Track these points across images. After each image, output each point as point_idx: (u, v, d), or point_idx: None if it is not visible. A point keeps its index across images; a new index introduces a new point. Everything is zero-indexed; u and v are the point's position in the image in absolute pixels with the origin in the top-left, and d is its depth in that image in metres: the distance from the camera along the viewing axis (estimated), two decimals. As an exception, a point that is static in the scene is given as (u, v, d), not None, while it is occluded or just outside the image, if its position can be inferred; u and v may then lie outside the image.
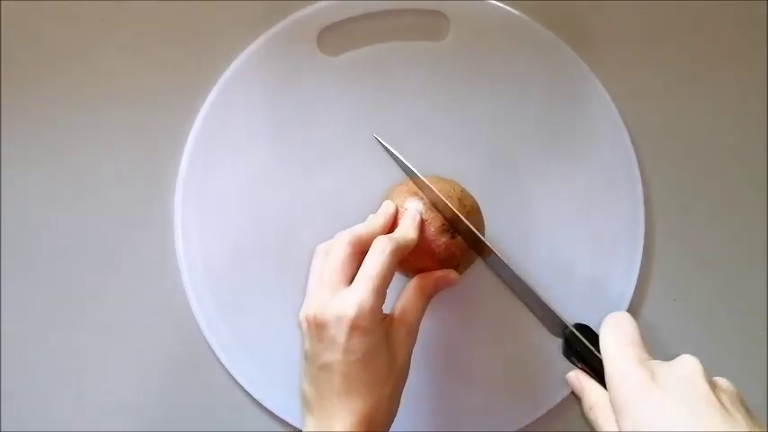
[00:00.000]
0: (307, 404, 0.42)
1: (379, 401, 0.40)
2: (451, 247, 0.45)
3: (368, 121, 0.53)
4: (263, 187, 0.53)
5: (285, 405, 0.52)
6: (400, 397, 0.42)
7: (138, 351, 0.54)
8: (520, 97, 0.53)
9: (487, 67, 0.54)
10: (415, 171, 0.46)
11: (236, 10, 0.54)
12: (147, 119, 0.54)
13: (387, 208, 0.46)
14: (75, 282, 0.54)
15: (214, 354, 0.53)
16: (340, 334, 0.39)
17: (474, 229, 0.44)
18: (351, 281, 0.41)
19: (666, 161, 0.54)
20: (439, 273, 0.44)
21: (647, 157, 0.54)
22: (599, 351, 0.38)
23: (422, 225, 0.44)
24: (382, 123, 0.53)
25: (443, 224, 0.45)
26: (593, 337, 0.40)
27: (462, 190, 0.47)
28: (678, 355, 0.36)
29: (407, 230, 0.44)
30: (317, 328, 0.40)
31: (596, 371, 0.39)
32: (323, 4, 0.53)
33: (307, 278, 0.44)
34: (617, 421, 0.34)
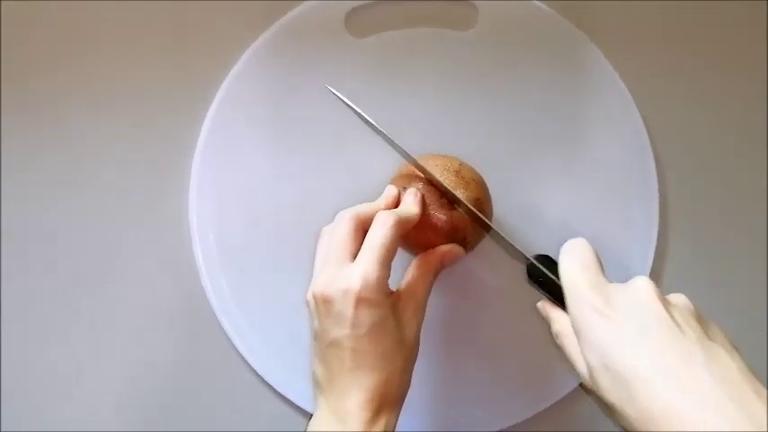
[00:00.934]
0: (318, 385, 0.41)
1: (389, 376, 0.39)
2: (453, 220, 0.45)
3: (387, 103, 0.53)
4: (278, 169, 0.53)
5: (293, 384, 0.52)
6: (411, 374, 0.42)
7: (153, 346, 0.54)
8: (542, 90, 0.54)
9: (511, 59, 0.54)
10: (402, 147, 0.46)
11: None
12: (158, 116, 0.54)
13: (388, 191, 0.46)
14: (81, 271, 0.54)
15: (229, 339, 0.53)
16: (347, 308, 0.39)
17: (448, 188, 0.44)
18: (354, 257, 0.41)
19: (683, 158, 0.55)
20: (444, 247, 0.44)
21: (663, 153, 0.54)
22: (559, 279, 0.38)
23: (423, 201, 0.44)
24: (400, 107, 0.53)
25: (441, 197, 0.45)
26: (556, 266, 0.40)
27: (461, 163, 0.47)
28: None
29: (409, 206, 0.44)
30: (325, 304, 0.40)
31: (560, 299, 0.39)
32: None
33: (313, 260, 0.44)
34: (579, 346, 0.35)
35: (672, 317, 0.33)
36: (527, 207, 0.52)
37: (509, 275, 0.51)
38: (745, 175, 0.55)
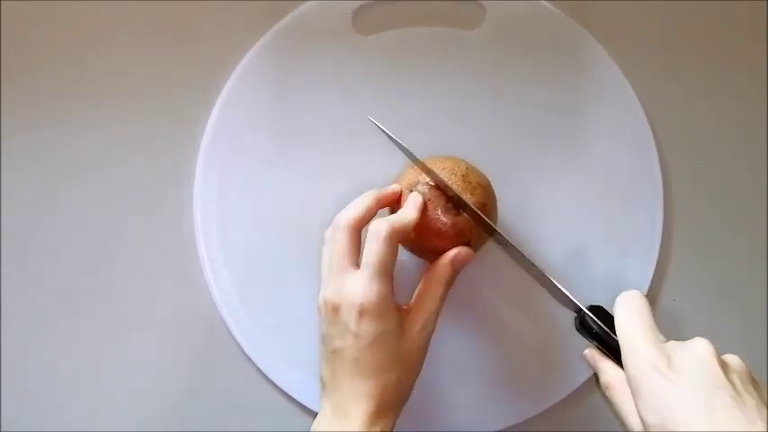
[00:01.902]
0: (323, 386, 0.43)
1: (389, 385, 0.41)
2: (458, 224, 0.45)
3: (392, 101, 0.53)
4: (281, 168, 0.53)
5: (305, 388, 0.52)
6: (413, 385, 0.43)
7: (157, 345, 0.54)
8: (547, 91, 0.53)
9: (518, 59, 0.54)
10: (409, 149, 0.46)
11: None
12: (162, 115, 0.54)
13: (390, 189, 0.46)
14: (83, 270, 0.54)
15: (236, 342, 0.53)
16: (351, 318, 0.40)
17: (464, 199, 0.44)
18: (357, 263, 0.42)
19: (687, 158, 0.55)
20: (451, 253, 0.44)
21: (667, 154, 0.54)
22: (614, 331, 0.39)
23: (427, 205, 0.44)
24: (405, 105, 0.53)
25: (447, 202, 0.45)
26: (607, 317, 0.40)
27: (468, 167, 0.47)
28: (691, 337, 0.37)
29: (407, 211, 0.44)
30: (333, 311, 0.41)
31: (611, 349, 0.40)
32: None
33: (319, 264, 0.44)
34: (635, 402, 0.35)
35: (731, 382, 0.34)
36: (530, 208, 0.53)
37: (509, 277, 0.51)
38: (749, 175, 0.55)
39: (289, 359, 0.52)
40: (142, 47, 0.54)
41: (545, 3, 0.54)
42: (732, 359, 0.36)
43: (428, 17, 0.53)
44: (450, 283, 0.44)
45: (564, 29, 0.54)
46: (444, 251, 0.44)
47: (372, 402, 0.40)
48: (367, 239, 0.42)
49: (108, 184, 0.54)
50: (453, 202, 0.45)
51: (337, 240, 0.42)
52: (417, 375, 0.43)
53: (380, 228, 0.41)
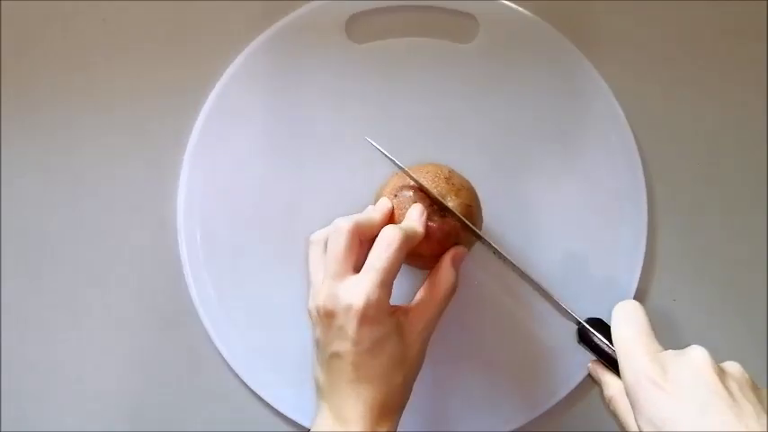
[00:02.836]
0: (320, 391, 0.42)
1: (388, 390, 0.40)
2: (445, 227, 0.45)
3: (383, 110, 0.53)
4: (267, 172, 0.53)
5: (283, 396, 0.52)
6: (412, 386, 0.42)
7: (138, 348, 0.53)
8: (537, 106, 0.54)
9: (509, 74, 0.54)
10: (400, 164, 0.46)
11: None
12: (149, 115, 0.54)
13: (382, 205, 0.45)
14: (74, 282, 0.53)
15: (211, 340, 0.52)
16: (349, 324, 0.39)
17: (438, 196, 0.45)
18: (354, 269, 0.41)
19: (673, 172, 0.55)
20: (450, 253, 0.44)
21: (653, 168, 0.55)
22: (612, 343, 0.39)
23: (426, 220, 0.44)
24: (395, 115, 0.53)
25: (432, 206, 0.45)
26: (606, 329, 0.40)
27: (451, 170, 0.47)
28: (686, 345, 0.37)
29: (414, 224, 0.43)
30: (327, 317, 0.40)
31: (612, 361, 0.40)
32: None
33: (304, 268, 0.44)
34: (633, 413, 0.35)
35: (728, 389, 0.33)
36: (519, 218, 0.53)
37: (505, 278, 0.51)
38: (736, 189, 0.56)
39: (269, 365, 0.52)
40: (128, 52, 0.54)
41: (538, 18, 0.54)
42: (731, 366, 0.35)
43: (421, 28, 0.53)
44: (454, 286, 0.44)
45: (553, 43, 0.54)
46: (432, 255, 0.44)
47: (375, 407, 0.40)
48: (377, 245, 0.41)
49: (92, 185, 0.53)
50: (438, 206, 0.45)
51: (336, 242, 0.41)
52: (416, 376, 0.42)
53: (395, 235, 0.41)
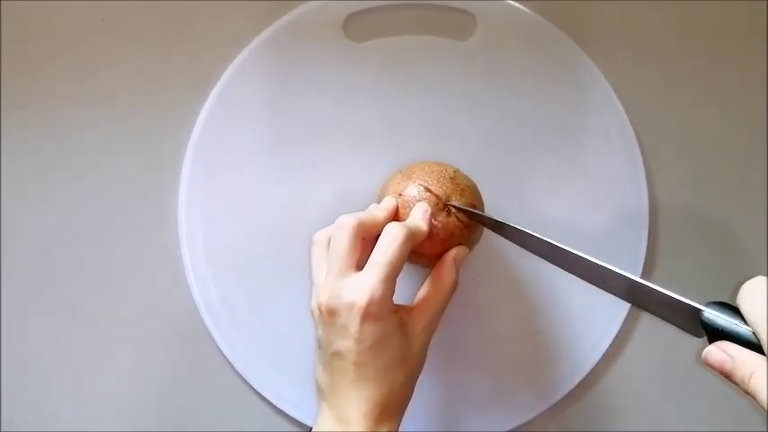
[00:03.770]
0: (320, 391, 0.42)
1: (391, 389, 0.40)
2: (449, 226, 0.45)
3: (383, 108, 0.53)
4: (269, 171, 0.53)
5: (285, 395, 0.52)
6: (414, 384, 0.42)
7: (140, 347, 0.53)
8: (536, 102, 0.54)
9: (507, 71, 0.54)
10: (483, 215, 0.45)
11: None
12: (150, 115, 0.54)
13: (388, 203, 0.45)
14: (75, 282, 0.53)
15: (213, 339, 0.52)
16: (352, 321, 0.39)
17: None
18: (358, 267, 0.41)
19: (673, 168, 0.55)
20: (452, 252, 0.44)
21: (653, 164, 0.55)
22: (742, 324, 0.35)
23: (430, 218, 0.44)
24: (394, 114, 0.53)
25: (437, 204, 0.45)
26: (729, 312, 0.37)
27: (456, 170, 0.47)
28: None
29: (419, 222, 0.43)
30: (329, 315, 0.40)
31: (743, 342, 0.36)
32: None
33: (308, 268, 0.44)
34: None
35: None
36: (518, 214, 0.52)
37: (500, 281, 0.52)
38: (737, 185, 0.56)
39: (271, 365, 0.52)
40: (127, 50, 0.54)
41: (536, 14, 0.54)
42: None
43: (419, 26, 0.53)
44: (455, 284, 0.44)
45: (552, 39, 0.54)
46: (434, 254, 0.44)
47: (376, 407, 0.39)
48: (381, 241, 0.41)
49: (93, 186, 0.53)
50: (443, 205, 0.45)
51: (339, 239, 0.41)
52: (419, 375, 0.42)
53: (399, 231, 0.40)
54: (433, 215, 0.44)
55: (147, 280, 0.53)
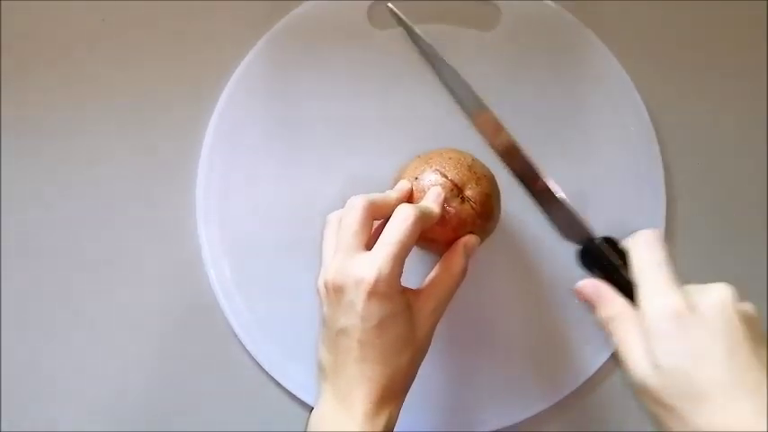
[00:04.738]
0: (322, 372, 0.41)
1: (395, 370, 0.39)
2: (462, 214, 0.45)
3: (403, 96, 0.53)
4: (284, 157, 0.53)
5: (300, 378, 0.52)
6: (417, 370, 0.42)
7: (155, 329, 0.53)
8: (555, 95, 0.54)
9: (529, 63, 0.54)
10: (419, 33, 0.45)
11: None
12: (171, 97, 0.54)
13: (401, 185, 0.45)
14: (90, 266, 0.53)
15: (230, 326, 0.53)
16: (358, 299, 0.38)
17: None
18: (367, 247, 0.40)
19: (690, 156, 0.55)
20: (464, 240, 0.44)
21: (672, 158, 0.54)
22: (624, 267, 0.37)
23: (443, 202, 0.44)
24: (414, 101, 0.53)
25: (452, 190, 0.45)
26: (617, 252, 0.39)
27: (474, 159, 0.47)
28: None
29: (431, 204, 0.43)
30: (336, 292, 0.39)
31: (616, 284, 0.38)
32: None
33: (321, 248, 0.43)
34: (649, 342, 0.34)
35: (753, 334, 0.33)
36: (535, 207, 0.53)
37: (514, 271, 0.51)
38: (757, 178, 0.55)
39: (286, 351, 0.52)
40: (149, 37, 0.54)
41: (559, 8, 0.54)
42: (750, 307, 0.35)
43: (444, 15, 0.54)
44: (465, 271, 0.43)
45: (575, 34, 0.54)
46: (445, 240, 0.44)
47: (379, 387, 0.39)
48: (392, 220, 0.40)
49: (113, 175, 0.54)
50: (458, 192, 0.45)
51: (349, 218, 0.41)
52: (422, 361, 0.42)
53: (409, 212, 0.40)
54: (446, 201, 0.44)
55: (164, 268, 0.53)
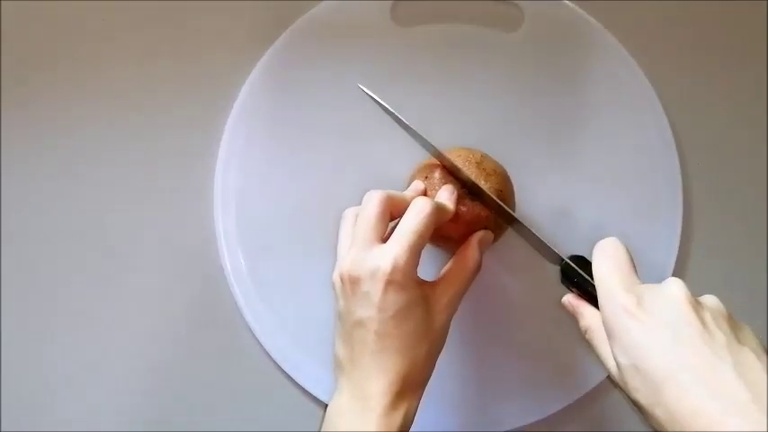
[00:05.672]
0: (339, 366, 0.41)
1: (413, 362, 0.39)
2: (475, 209, 0.45)
3: (420, 95, 0.53)
4: (301, 152, 0.53)
5: (310, 371, 0.52)
6: (435, 361, 0.41)
7: (168, 314, 0.53)
8: (576, 98, 0.54)
9: (551, 65, 0.54)
10: (398, 115, 0.45)
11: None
12: (193, 88, 0.54)
13: (416, 185, 0.46)
14: (104, 251, 0.53)
15: (244, 319, 0.53)
16: (374, 289, 0.38)
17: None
18: (383, 239, 0.41)
19: (707, 153, 0.55)
20: (478, 234, 0.44)
21: (688, 151, 0.54)
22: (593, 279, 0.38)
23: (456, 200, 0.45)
24: (434, 100, 0.53)
25: (463, 189, 0.45)
26: (589, 267, 0.40)
27: (483, 155, 0.47)
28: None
29: (445, 201, 0.44)
30: (352, 284, 0.39)
31: (591, 296, 0.40)
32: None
33: (335, 247, 0.44)
34: (609, 344, 0.36)
35: (702, 320, 0.33)
36: (554, 205, 0.53)
37: (531, 271, 0.51)
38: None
39: (297, 343, 0.52)
40: (165, 35, 0.55)
41: (582, 11, 0.54)
42: (708, 299, 0.35)
43: (466, 15, 0.54)
44: (479, 265, 0.44)
45: (597, 37, 0.54)
46: (459, 237, 0.45)
47: (398, 379, 0.38)
48: (408, 212, 0.41)
49: (130, 168, 0.54)
50: (469, 190, 0.45)
51: (366, 211, 0.41)
52: (439, 354, 0.42)
53: (426, 204, 0.41)
54: (459, 199, 0.44)
55: (179, 258, 0.54)
